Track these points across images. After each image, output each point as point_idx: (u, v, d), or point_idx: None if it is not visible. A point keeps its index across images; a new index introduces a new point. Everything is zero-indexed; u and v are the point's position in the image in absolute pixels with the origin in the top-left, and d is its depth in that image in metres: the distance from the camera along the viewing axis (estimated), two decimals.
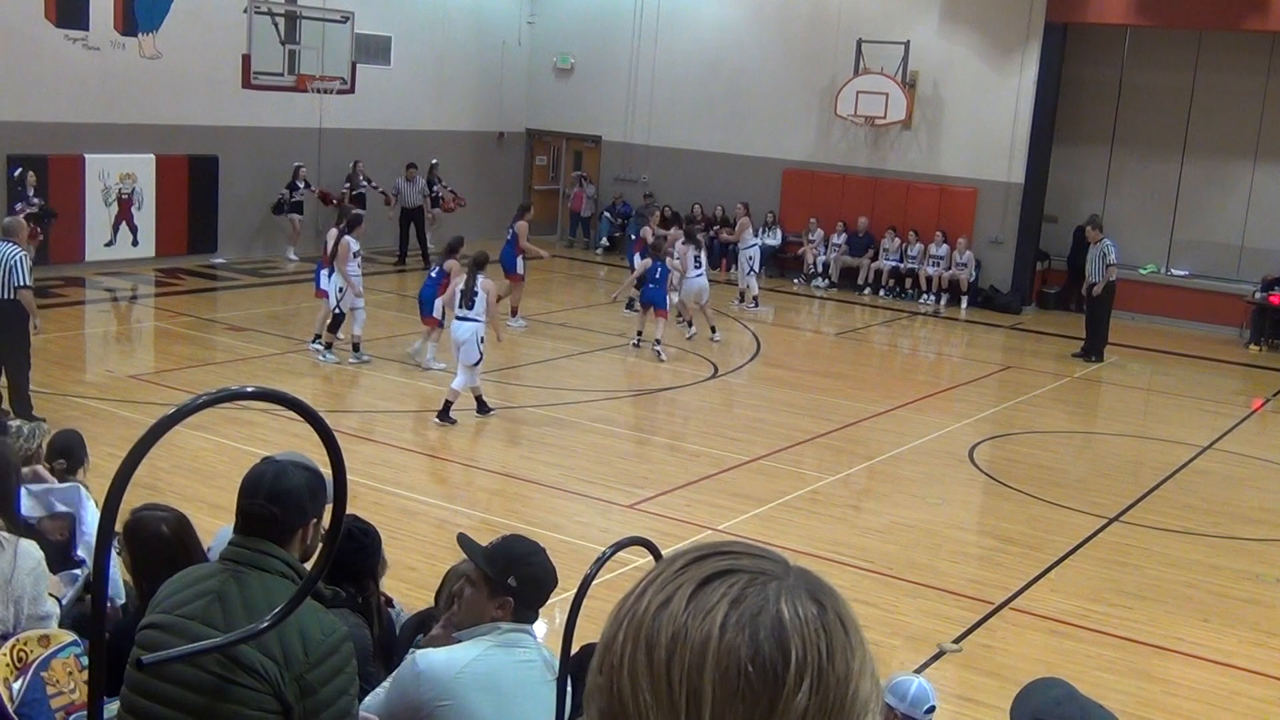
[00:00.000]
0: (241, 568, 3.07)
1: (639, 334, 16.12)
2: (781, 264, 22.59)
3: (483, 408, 12.25)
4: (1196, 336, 19.46)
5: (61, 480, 5.86)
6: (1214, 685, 7.58)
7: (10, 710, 3.48)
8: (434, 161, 21.85)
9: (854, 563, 9.03)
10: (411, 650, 3.79)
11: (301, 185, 20.15)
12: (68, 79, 17.53)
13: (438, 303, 13.37)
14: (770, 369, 15.79)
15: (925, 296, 21.13)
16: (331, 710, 3.02)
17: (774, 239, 22.37)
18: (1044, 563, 9.38)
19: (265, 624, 2.42)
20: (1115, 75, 21.08)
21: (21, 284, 10.39)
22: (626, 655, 1.03)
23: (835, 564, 8.84)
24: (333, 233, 14.15)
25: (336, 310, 13.90)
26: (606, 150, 24.57)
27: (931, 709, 5.04)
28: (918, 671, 7.01)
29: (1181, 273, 20.82)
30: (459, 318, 12.15)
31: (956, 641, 7.82)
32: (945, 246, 21.04)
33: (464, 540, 3.82)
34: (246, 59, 17.82)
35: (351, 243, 13.86)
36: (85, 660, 3.64)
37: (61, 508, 5.26)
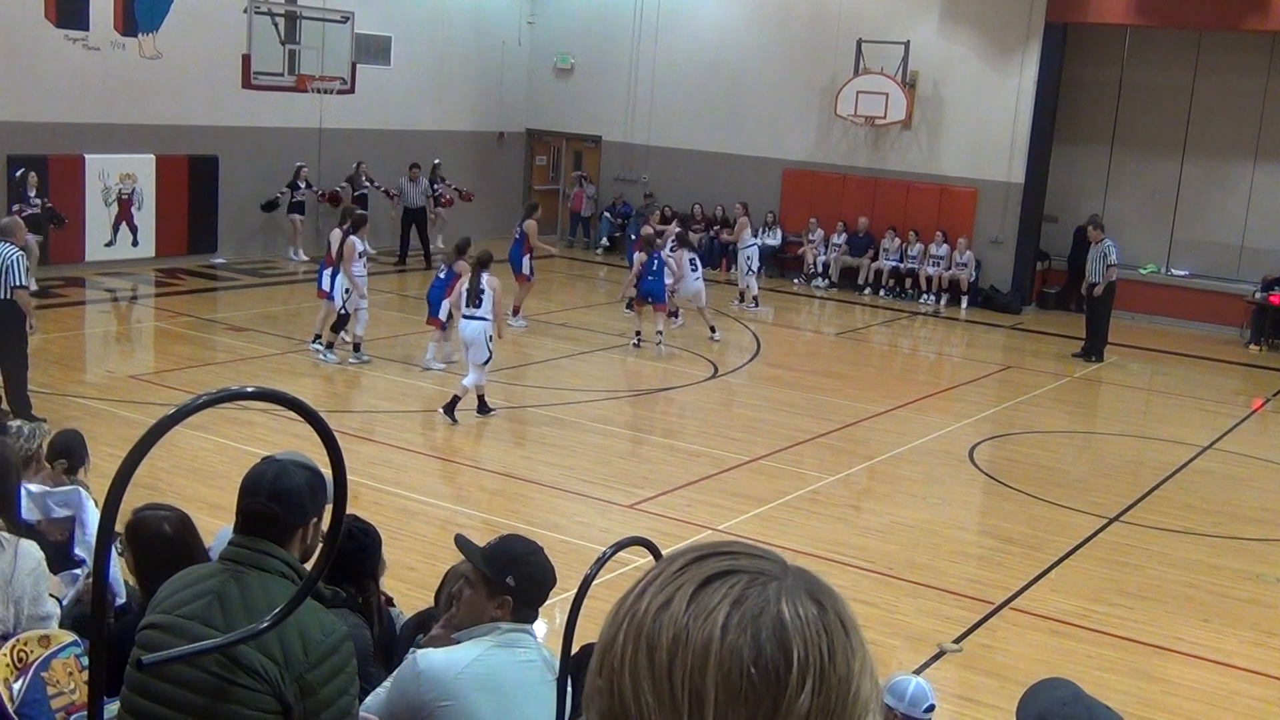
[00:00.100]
0: (241, 568, 3.07)
1: (638, 334, 16.14)
2: (781, 264, 22.59)
3: (483, 408, 12.26)
4: (1196, 336, 19.47)
5: (63, 480, 5.86)
6: (1214, 685, 7.58)
7: (10, 710, 3.48)
8: (436, 161, 21.86)
9: (854, 563, 9.03)
10: (412, 650, 3.78)
11: (303, 185, 20.15)
12: (68, 79, 17.53)
13: (444, 304, 13.38)
14: (770, 369, 15.79)
15: (925, 296, 21.13)
16: (332, 710, 3.02)
17: (774, 239, 22.38)
18: (1044, 563, 9.38)
19: (265, 624, 2.42)
20: (1115, 75, 21.08)
21: (18, 284, 10.40)
22: (627, 657, 1.02)
23: (835, 564, 8.84)
24: (336, 233, 14.15)
25: (343, 311, 13.90)
26: (606, 150, 24.57)
27: (931, 708, 5.04)
28: (918, 671, 7.01)
29: (1181, 273, 20.82)
30: (466, 316, 12.18)
31: (957, 641, 7.82)
32: (945, 246, 21.04)
33: (461, 541, 3.82)
34: (246, 59, 17.83)
35: (357, 243, 13.87)
36: (85, 660, 3.63)
37: (61, 512, 5.26)
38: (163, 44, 18.63)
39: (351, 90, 19.54)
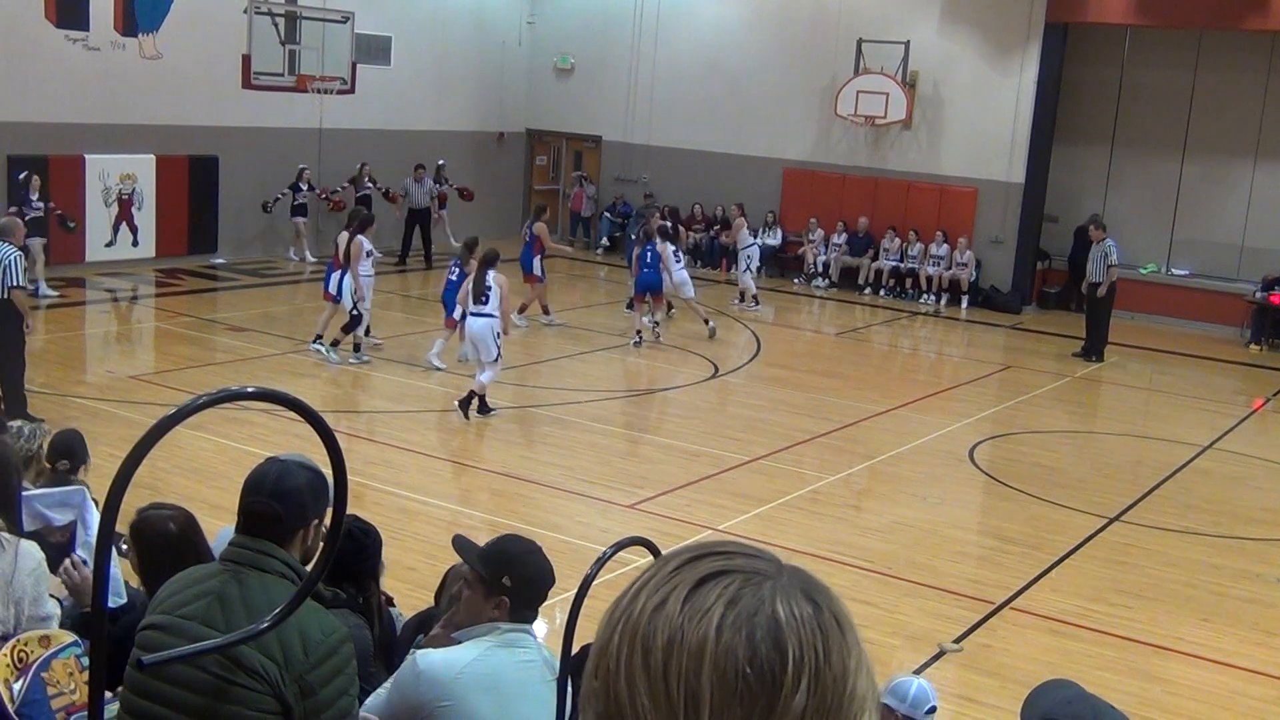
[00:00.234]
0: (242, 568, 3.07)
1: (639, 333, 16.16)
2: (782, 264, 22.59)
3: (484, 407, 12.26)
4: (1197, 336, 19.46)
5: (65, 480, 5.85)
6: (1214, 685, 7.58)
7: (11, 711, 3.48)
8: (440, 163, 21.88)
9: (854, 563, 9.03)
10: (412, 651, 3.79)
11: (305, 187, 20.14)
12: (68, 79, 17.54)
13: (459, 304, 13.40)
14: (770, 369, 15.79)
15: (925, 296, 21.13)
16: (332, 711, 3.02)
17: (774, 239, 22.38)
18: (1044, 562, 9.38)
19: (265, 624, 2.42)
20: (1115, 75, 21.08)
21: (16, 284, 10.42)
22: (623, 659, 1.02)
23: (835, 564, 8.84)
24: (344, 235, 14.17)
25: (354, 312, 13.88)
26: (606, 150, 24.57)
27: (932, 709, 5.03)
28: (918, 671, 7.01)
29: (1182, 272, 20.82)
30: (473, 314, 12.20)
31: (957, 641, 7.82)
32: (945, 246, 21.04)
33: (459, 542, 3.82)
34: (246, 59, 17.83)
35: (364, 243, 13.87)
36: (85, 660, 3.64)
37: (62, 518, 5.25)
38: (163, 44, 18.63)
39: (351, 90, 19.54)
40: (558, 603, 6.53)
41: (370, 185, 20.70)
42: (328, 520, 2.93)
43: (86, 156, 17.94)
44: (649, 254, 16.22)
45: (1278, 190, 20.12)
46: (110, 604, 3.20)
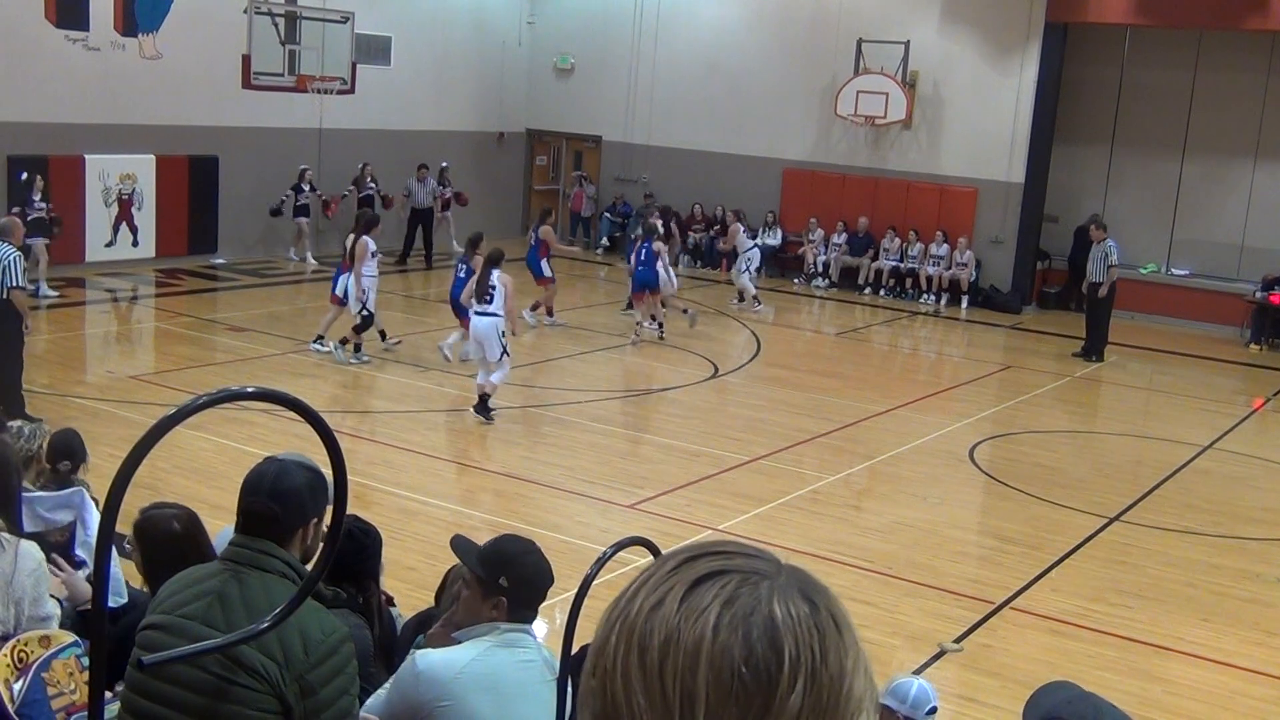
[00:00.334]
0: (242, 568, 3.07)
1: (640, 324, 16.23)
2: (782, 264, 22.60)
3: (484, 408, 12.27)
4: (1197, 336, 19.47)
5: (66, 481, 5.85)
6: (1215, 685, 7.58)
7: (11, 711, 3.49)
8: (444, 165, 21.90)
9: (854, 563, 9.03)
10: (412, 650, 3.79)
11: (307, 188, 20.14)
12: (68, 79, 17.53)
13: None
14: (770, 369, 15.79)
15: (925, 296, 21.13)
16: (332, 710, 3.02)
17: (774, 239, 22.39)
18: (1044, 562, 9.38)
19: (265, 624, 2.42)
20: (1115, 75, 21.08)
21: (15, 285, 10.42)
22: (619, 658, 1.02)
23: (835, 564, 8.84)
24: (351, 237, 14.20)
25: (364, 312, 13.88)
26: (606, 150, 24.57)
27: (933, 710, 5.03)
28: (918, 671, 7.01)
29: (1182, 272, 20.82)
30: (477, 313, 12.20)
31: (957, 641, 7.82)
32: (945, 246, 21.05)
33: (457, 542, 3.82)
34: (246, 59, 17.83)
35: (369, 244, 13.88)
36: (86, 661, 3.64)
37: (61, 519, 5.25)
38: (163, 44, 18.63)
39: (351, 90, 19.54)
40: (558, 603, 6.53)
41: (373, 185, 20.71)
42: (327, 520, 2.93)
43: (86, 156, 17.94)
44: (644, 251, 16.34)
45: (1278, 190, 20.12)
46: (110, 603, 3.21)
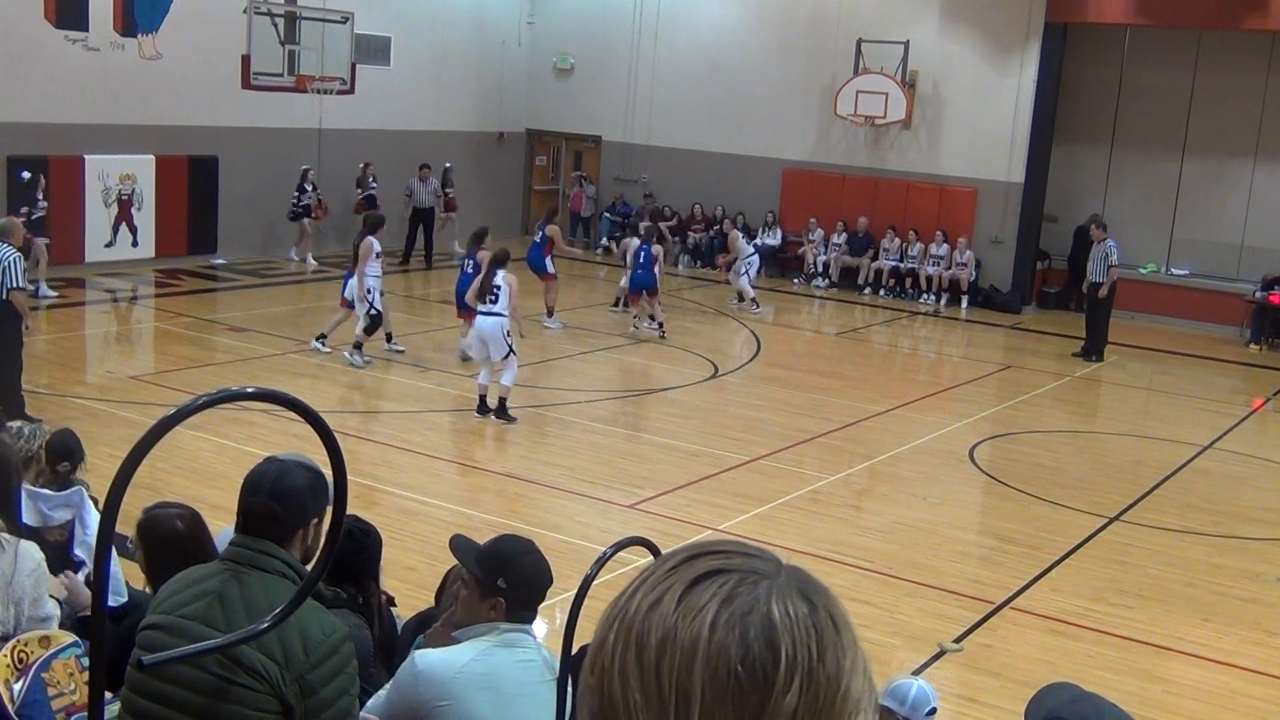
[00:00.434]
0: (242, 568, 3.07)
1: (635, 321, 16.31)
2: (782, 264, 22.60)
3: (483, 408, 12.27)
4: (1196, 336, 19.47)
5: (66, 481, 5.85)
6: (1215, 685, 7.58)
7: (11, 711, 3.48)
8: (447, 165, 21.90)
9: (854, 563, 9.03)
10: (412, 650, 3.79)
11: (310, 189, 20.13)
12: (68, 80, 17.53)
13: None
14: (770, 369, 15.80)
15: (925, 296, 21.13)
16: (332, 711, 3.02)
17: (774, 239, 22.39)
18: (1044, 562, 9.38)
19: (265, 624, 2.42)
20: (1115, 75, 21.08)
21: (15, 286, 10.43)
22: (617, 656, 1.03)
23: (835, 564, 8.84)
24: (359, 238, 14.21)
25: (371, 312, 13.86)
26: (606, 150, 24.57)
27: (932, 711, 5.02)
28: (918, 671, 7.01)
29: (1181, 272, 20.82)
30: (482, 313, 12.19)
31: (957, 641, 7.82)
32: (945, 246, 21.05)
33: (455, 543, 3.82)
34: (246, 59, 17.81)
35: (374, 244, 13.87)
36: (86, 661, 3.64)
37: (60, 517, 5.25)
38: (162, 44, 18.63)
39: (351, 91, 19.53)
40: (558, 603, 6.54)
41: (374, 185, 20.70)
42: (328, 520, 2.93)
43: (86, 157, 17.94)
44: (643, 254, 16.43)
45: (1278, 190, 20.12)
46: (110, 602, 3.20)
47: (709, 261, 22.72)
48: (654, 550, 3.14)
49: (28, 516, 4.76)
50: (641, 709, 1.00)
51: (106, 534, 1.96)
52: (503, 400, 12.13)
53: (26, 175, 16.55)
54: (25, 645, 3.63)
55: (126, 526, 4.24)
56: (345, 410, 12.48)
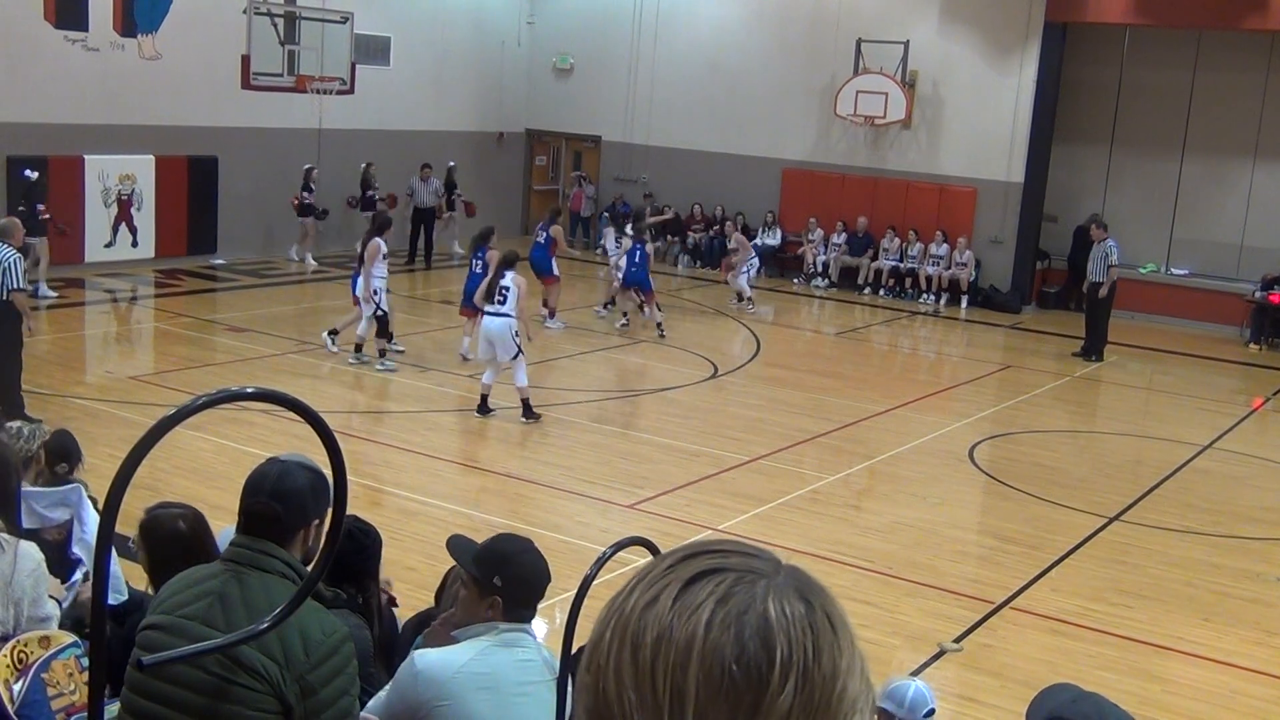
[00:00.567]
0: (242, 568, 3.07)
1: (625, 315, 16.80)
2: (781, 264, 22.59)
3: (484, 408, 12.26)
4: (1196, 335, 19.47)
5: (65, 482, 5.84)
6: (1215, 684, 7.58)
7: (11, 711, 3.48)
8: (451, 164, 21.89)
9: (854, 563, 9.03)
10: (411, 650, 3.79)
11: (313, 187, 20.12)
12: (67, 80, 17.53)
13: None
14: (770, 369, 15.80)
15: (925, 296, 21.13)
16: (332, 711, 3.02)
17: (774, 239, 22.39)
18: (1044, 562, 9.38)
19: (266, 625, 2.42)
20: (1115, 75, 21.08)
21: (15, 287, 10.43)
22: (612, 654, 1.03)
23: (835, 564, 8.84)
24: (365, 238, 14.21)
25: (379, 313, 13.84)
26: (606, 150, 24.57)
27: (930, 712, 5.01)
28: (917, 671, 7.01)
29: (1181, 272, 20.82)
30: (489, 313, 12.18)
31: (957, 641, 7.82)
32: (945, 246, 21.05)
33: (453, 543, 3.82)
34: (246, 59, 17.80)
35: (381, 245, 13.86)
36: (85, 661, 3.64)
37: (58, 516, 5.25)
38: (162, 45, 18.63)
39: (351, 91, 19.52)
40: (557, 602, 6.54)
41: (376, 185, 20.69)
42: (328, 520, 2.93)
43: (86, 157, 17.94)
44: (638, 253, 16.52)
45: (1277, 190, 20.12)
46: (110, 600, 3.20)
47: (709, 261, 22.71)
48: (654, 550, 3.14)
49: (25, 520, 4.76)
50: (636, 708, 1.00)
51: (106, 534, 1.96)
52: (525, 401, 12.14)
53: (34, 175, 16.49)
54: (25, 645, 3.63)
55: (127, 527, 4.24)
56: (346, 410, 12.48)
